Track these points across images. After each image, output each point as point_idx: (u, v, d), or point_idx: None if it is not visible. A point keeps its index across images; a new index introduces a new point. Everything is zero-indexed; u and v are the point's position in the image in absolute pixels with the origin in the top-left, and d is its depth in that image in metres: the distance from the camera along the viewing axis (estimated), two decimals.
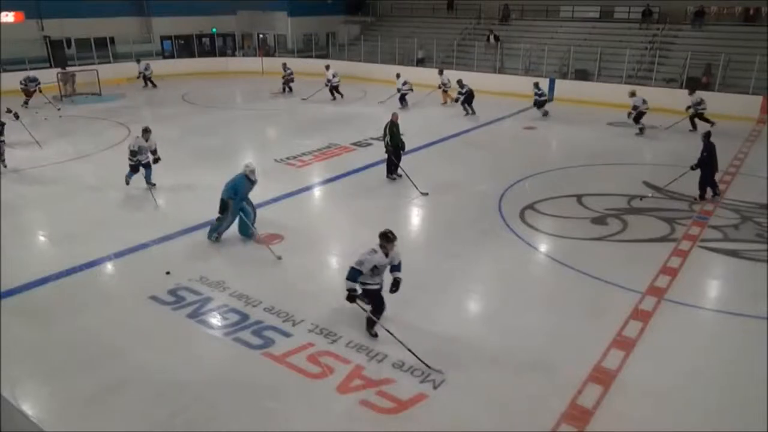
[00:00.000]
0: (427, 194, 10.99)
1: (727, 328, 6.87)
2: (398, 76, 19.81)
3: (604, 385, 5.68)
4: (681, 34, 22.30)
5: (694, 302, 7.30)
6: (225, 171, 12.56)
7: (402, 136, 11.84)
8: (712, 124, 15.59)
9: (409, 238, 9.75)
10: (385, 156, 11.95)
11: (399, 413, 5.32)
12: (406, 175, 11.52)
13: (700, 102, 16.17)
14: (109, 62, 25.13)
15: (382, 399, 5.48)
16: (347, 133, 15.90)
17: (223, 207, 8.75)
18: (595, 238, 9.25)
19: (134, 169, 11.16)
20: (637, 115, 16.17)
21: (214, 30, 30.10)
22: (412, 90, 19.71)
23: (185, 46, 28.88)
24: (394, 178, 11.90)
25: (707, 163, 10.57)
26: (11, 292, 7.39)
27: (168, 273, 7.83)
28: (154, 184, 11.21)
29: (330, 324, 6.64)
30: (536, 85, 18.22)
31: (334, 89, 20.90)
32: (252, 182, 8.87)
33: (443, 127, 16.70)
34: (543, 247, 9.01)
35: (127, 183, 11.20)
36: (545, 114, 18.32)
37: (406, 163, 11.91)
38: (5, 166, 12.39)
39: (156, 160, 11.27)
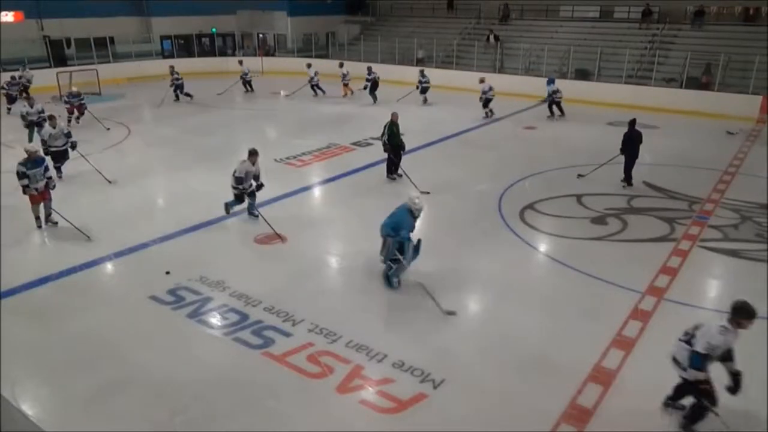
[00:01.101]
0: (428, 193, 10.99)
1: None
2: (422, 73, 20.35)
3: (603, 384, 5.69)
4: (681, 34, 22.30)
5: (694, 302, 7.29)
6: (225, 171, 12.61)
7: (402, 136, 11.84)
8: (562, 114, 17.95)
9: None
10: (386, 156, 11.96)
11: (399, 413, 5.32)
12: (406, 174, 11.52)
13: (557, 90, 17.82)
14: (109, 62, 25.13)
15: (382, 399, 5.48)
16: (347, 132, 15.91)
17: (400, 249, 7.37)
18: (594, 237, 9.26)
19: (239, 199, 9.68)
20: (486, 101, 17.91)
21: (214, 30, 30.10)
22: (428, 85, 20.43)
23: (185, 46, 28.89)
24: (394, 178, 11.90)
25: (626, 147, 11.17)
26: (11, 292, 7.40)
27: (168, 273, 7.83)
28: (257, 216, 9.70)
29: (330, 324, 6.64)
30: (422, 72, 20.37)
31: (315, 86, 21.74)
32: (415, 217, 7.57)
33: (443, 127, 16.70)
34: (543, 247, 9.01)
35: (228, 212, 9.87)
36: (425, 101, 20.07)
37: (405, 162, 11.91)
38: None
39: (259, 187, 9.74)
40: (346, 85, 21.82)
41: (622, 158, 11.48)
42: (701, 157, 13.76)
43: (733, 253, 8.67)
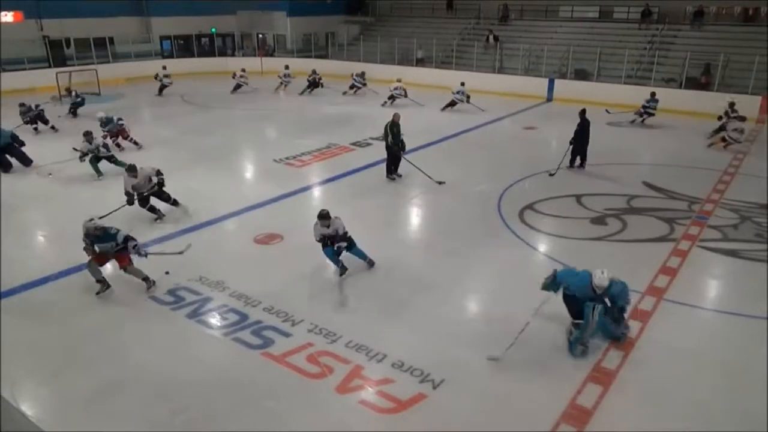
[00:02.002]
0: (443, 183, 11.41)
1: (727, 328, 6.87)
2: (462, 84, 19.53)
3: (603, 384, 5.69)
4: (680, 34, 22.31)
5: (694, 302, 7.30)
6: (225, 171, 12.69)
7: (402, 137, 11.84)
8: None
9: (409, 238, 9.78)
10: (385, 156, 11.96)
11: (398, 413, 5.32)
12: (418, 168, 11.62)
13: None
14: (108, 62, 25.12)
15: (381, 399, 5.48)
16: (347, 133, 15.91)
17: (578, 314, 6.23)
18: (594, 238, 9.26)
19: (143, 203, 9.71)
20: (451, 102, 18.97)
21: (214, 30, 30.08)
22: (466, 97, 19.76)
23: (184, 46, 28.86)
24: (394, 178, 11.90)
25: (581, 136, 12.39)
26: (11, 292, 7.40)
27: (167, 273, 7.83)
28: (177, 203, 9.98)
29: (329, 324, 6.64)
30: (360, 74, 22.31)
31: (286, 85, 23.22)
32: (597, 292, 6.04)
33: (443, 127, 16.70)
34: (542, 247, 9.01)
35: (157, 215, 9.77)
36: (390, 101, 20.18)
37: (405, 162, 11.89)
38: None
39: (160, 184, 9.81)
40: (281, 83, 23.19)
41: (634, 165, 11.47)
42: (701, 157, 13.77)
43: (733, 253, 8.68)
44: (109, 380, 5.74)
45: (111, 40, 25.86)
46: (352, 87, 22.30)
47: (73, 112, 18.31)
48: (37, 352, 6.26)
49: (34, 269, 7.97)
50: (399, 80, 20.48)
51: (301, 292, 7.46)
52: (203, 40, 29.79)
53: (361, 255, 8.07)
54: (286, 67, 23.38)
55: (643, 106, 17.13)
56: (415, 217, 10.62)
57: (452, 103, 19.17)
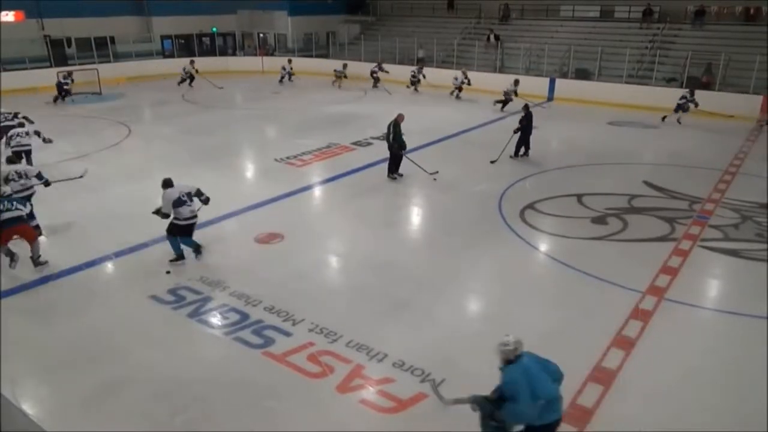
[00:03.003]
0: (437, 172, 11.68)
1: (727, 328, 6.86)
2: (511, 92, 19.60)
3: (604, 384, 5.68)
4: (681, 34, 22.30)
5: (694, 302, 7.30)
6: (225, 171, 12.69)
7: (402, 136, 11.84)
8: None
9: (409, 238, 9.79)
10: (387, 155, 11.95)
11: (399, 413, 5.32)
12: (414, 162, 11.67)
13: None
14: (109, 62, 25.15)
15: (382, 398, 5.48)
16: (347, 132, 15.91)
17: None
18: (595, 237, 9.25)
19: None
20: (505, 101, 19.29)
21: (215, 29, 30.12)
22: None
23: (185, 46, 28.89)
24: (395, 178, 11.90)
25: (525, 128, 13.16)
26: (11, 292, 7.40)
27: (168, 272, 7.83)
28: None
29: (330, 323, 6.64)
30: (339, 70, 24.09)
31: (283, 77, 24.66)
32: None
33: (443, 127, 16.70)
34: (543, 247, 9.01)
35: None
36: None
37: (406, 161, 11.89)
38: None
39: (46, 184, 9.32)
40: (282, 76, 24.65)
41: (635, 165, 11.48)
42: (702, 156, 13.76)
43: (734, 253, 8.67)
44: (110, 380, 5.74)
45: (112, 39, 25.91)
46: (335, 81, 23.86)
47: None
48: (38, 351, 6.26)
49: (33, 269, 7.95)
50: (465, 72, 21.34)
51: (302, 292, 7.45)
52: (204, 39, 29.80)
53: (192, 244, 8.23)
54: (289, 61, 24.83)
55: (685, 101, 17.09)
56: (415, 216, 10.62)
57: (505, 102, 19.30)
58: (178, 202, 7.94)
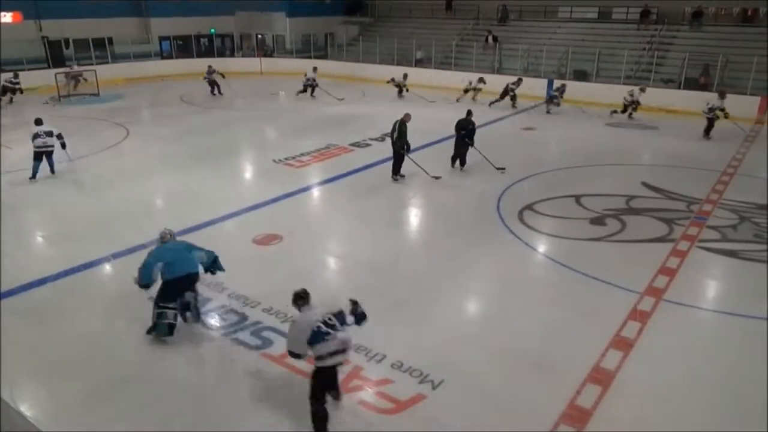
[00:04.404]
0: (439, 177, 11.48)
1: (726, 329, 6.88)
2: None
3: (602, 385, 5.69)
4: (679, 35, 22.33)
5: (693, 302, 7.31)
6: (224, 171, 12.68)
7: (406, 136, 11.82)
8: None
9: (408, 239, 9.79)
10: (389, 156, 11.93)
11: (398, 414, 5.32)
12: (415, 163, 11.63)
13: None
14: (108, 63, 25.13)
15: (380, 399, 5.48)
16: (346, 133, 15.91)
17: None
18: (593, 238, 9.26)
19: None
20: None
21: (213, 30, 30.09)
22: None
23: (184, 47, 28.83)
24: (397, 179, 11.89)
25: (458, 137, 12.38)
26: (10, 293, 7.38)
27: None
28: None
29: None
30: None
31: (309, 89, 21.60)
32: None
33: (443, 127, 16.67)
34: (541, 248, 9.02)
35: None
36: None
37: (406, 162, 11.89)
38: None
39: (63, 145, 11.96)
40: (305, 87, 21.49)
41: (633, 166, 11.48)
42: (700, 157, 13.78)
43: (732, 254, 8.68)
44: (108, 381, 5.73)
45: (110, 40, 25.88)
46: (305, 89, 21.16)
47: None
48: (37, 352, 6.25)
49: (33, 269, 7.95)
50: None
51: None
52: (202, 40, 29.78)
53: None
54: (314, 69, 21.55)
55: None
56: (414, 217, 10.63)
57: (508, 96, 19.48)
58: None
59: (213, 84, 21.83)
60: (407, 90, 21.38)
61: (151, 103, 21.40)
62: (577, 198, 10.92)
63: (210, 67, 21.94)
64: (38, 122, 12.05)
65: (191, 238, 9.03)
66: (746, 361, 6.16)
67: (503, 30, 26.23)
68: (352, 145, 14.87)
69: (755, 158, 13.79)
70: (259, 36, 31.27)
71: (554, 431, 5.09)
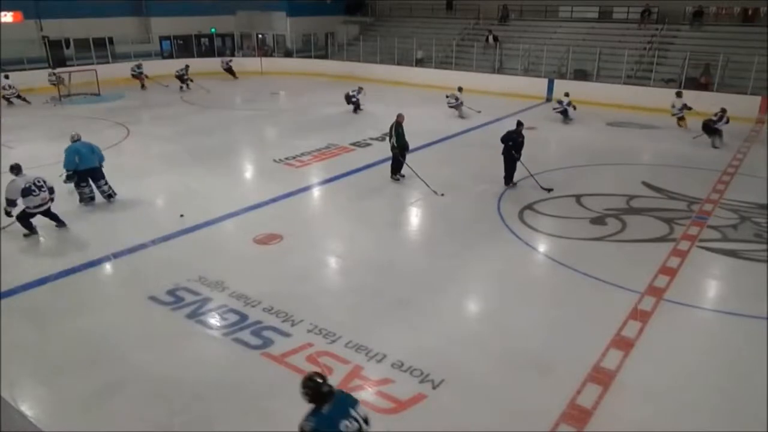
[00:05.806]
0: (443, 195, 10.95)
1: (726, 328, 6.87)
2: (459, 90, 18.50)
3: (603, 385, 5.68)
4: (680, 35, 22.32)
5: (693, 302, 7.30)
6: (224, 171, 12.69)
7: (404, 137, 11.81)
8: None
9: (409, 239, 9.78)
10: (389, 156, 11.92)
11: (398, 413, 5.32)
12: (417, 175, 11.48)
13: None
14: (108, 62, 25.14)
15: (381, 399, 5.47)
16: (346, 133, 15.91)
17: None
18: (594, 238, 9.26)
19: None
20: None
21: (213, 30, 30.10)
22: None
23: (184, 47, 28.85)
24: (398, 179, 11.88)
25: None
26: (11, 293, 7.39)
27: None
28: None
29: (329, 324, 6.63)
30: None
31: (180, 78, 23.20)
32: None
33: (443, 127, 16.71)
34: (542, 248, 9.01)
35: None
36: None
37: (408, 162, 11.88)
38: None
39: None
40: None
41: (634, 165, 11.47)
42: (700, 157, 13.78)
43: (732, 254, 8.68)
44: (109, 380, 5.73)
45: (110, 40, 25.89)
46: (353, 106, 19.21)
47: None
48: (36, 352, 6.25)
49: (33, 269, 7.96)
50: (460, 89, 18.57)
51: (301, 292, 7.45)
52: (203, 40, 29.79)
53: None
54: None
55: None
56: (414, 217, 10.62)
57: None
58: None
59: (181, 78, 23.07)
60: (462, 103, 18.43)
61: (151, 102, 21.40)
62: (578, 198, 10.91)
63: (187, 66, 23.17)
64: (16, 169, 8.91)
65: (191, 238, 9.13)
66: (746, 361, 6.16)
67: (504, 30, 26.23)
68: (353, 144, 14.88)
69: (756, 158, 13.78)
70: (260, 36, 31.28)
71: (554, 431, 5.09)
